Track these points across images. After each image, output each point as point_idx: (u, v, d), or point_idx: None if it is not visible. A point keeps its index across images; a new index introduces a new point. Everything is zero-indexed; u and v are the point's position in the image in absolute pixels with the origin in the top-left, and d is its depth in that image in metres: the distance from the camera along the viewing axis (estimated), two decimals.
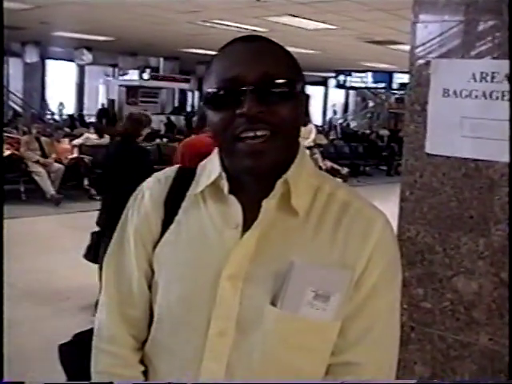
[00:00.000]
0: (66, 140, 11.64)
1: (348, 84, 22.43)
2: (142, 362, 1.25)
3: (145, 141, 11.04)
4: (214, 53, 1.19)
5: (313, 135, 13.14)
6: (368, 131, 20.34)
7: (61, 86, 22.14)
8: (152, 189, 1.25)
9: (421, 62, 2.03)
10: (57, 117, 20.20)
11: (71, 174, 10.44)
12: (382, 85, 21.65)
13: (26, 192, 9.87)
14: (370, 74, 21.46)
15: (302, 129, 1.18)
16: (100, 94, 23.17)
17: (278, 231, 1.13)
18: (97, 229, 5.06)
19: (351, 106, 29.75)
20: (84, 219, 8.82)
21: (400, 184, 2.09)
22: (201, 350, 1.13)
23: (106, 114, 19.95)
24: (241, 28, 11.78)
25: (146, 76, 20.22)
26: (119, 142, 5.50)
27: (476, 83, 1.89)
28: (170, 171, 1.27)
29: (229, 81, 1.09)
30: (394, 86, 21.07)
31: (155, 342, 1.23)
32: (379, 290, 1.14)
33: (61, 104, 21.58)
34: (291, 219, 1.14)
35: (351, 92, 28.15)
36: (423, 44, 2.02)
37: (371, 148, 16.87)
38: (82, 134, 12.57)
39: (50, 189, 9.78)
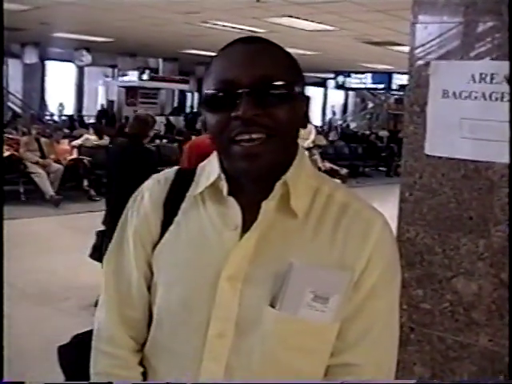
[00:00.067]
0: (66, 141, 11.63)
1: (347, 85, 22.46)
2: (141, 363, 1.25)
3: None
4: (213, 54, 1.19)
5: (312, 136, 13.13)
6: (367, 132, 20.34)
7: (60, 87, 22.14)
8: (151, 190, 1.25)
9: (420, 63, 2.03)
10: (56, 118, 20.20)
11: (70, 175, 10.43)
12: (382, 86, 21.67)
13: (25, 193, 9.87)
14: (369, 75, 21.49)
15: (302, 130, 1.18)
16: (99, 95, 23.18)
17: (277, 232, 1.13)
18: (101, 228, 5.07)
19: (350, 107, 29.77)
20: (83, 220, 8.85)
21: (399, 185, 2.09)
22: (200, 351, 1.13)
23: (106, 115, 19.96)
24: (240, 29, 11.79)
25: (145, 77, 20.21)
26: (126, 142, 5.56)
27: (475, 84, 1.89)
28: (169, 172, 1.27)
29: (225, 83, 1.09)
30: (394, 86, 21.09)
31: (154, 343, 1.23)
32: (378, 291, 1.14)
33: (61, 105, 21.57)
34: (290, 221, 1.14)
35: (350, 93, 28.18)
36: (422, 45, 2.02)
37: (370, 149, 16.87)
38: (81, 135, 12.56)
39: (49, 189, 9.78)
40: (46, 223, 8.58)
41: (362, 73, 21.41)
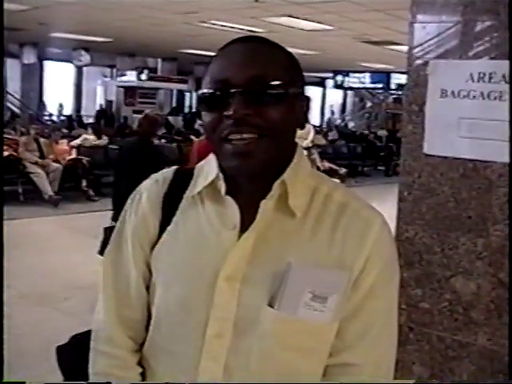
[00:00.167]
0: (64, 141, 11.62)
1: (346, 84, 22.47)
2: (139, 363, 1.25)
3: None
4: (211, 53, 1.19)
5: (311, 136, 13.15)
6: (366, 131, 20.33)
7: (59, 87, 22.13)
8: (149, 190, 1.25)
9: (419, 62, 2.03)
10: (55, 118, 20.18)
11: (69, 175, 10.43)
12: (380, 85, 21.69)
13: (24, 193, 9.86)
14: (367, 75, 21.50)
15: (300, 129, 1.18)
16: (98, 95, 23.17)
17: (275, 232, 1.13)
18: (107, 224, 5.09)
19: (349, 107, 29.78)
20: (82, 220, 8.86)
21: (398, 184, 2.09)
22: (198, 351, 1.13)
23: (105, 115, 19.95)
24: (238, 29, 11.79)
25: (143, 77, 20.20)
26: (135, 141, 5.75)
27: (474, 83, 1.89)
28: (167, 172, 1.27)
29: (219, 82, 1.09)
30: (392, 86, 21.11)
31: (153, 344, 1.22)
32: (377, 291, 1.14)
33: (60, 105, 21.56)
34: (289, 220, 1.14)
35: (349, 92, 28.18)
36: (421, 44, 2.02)
37: (369, 148, 16.87)
38: (79, 135, 12.56)
39: (48, 189, 9.77)
40: (44, 223, 8.57)
41: (361, 72, 21.42)
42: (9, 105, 18.82)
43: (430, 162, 2.01)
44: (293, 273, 1.09)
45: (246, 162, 1.07)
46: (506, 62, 1.82)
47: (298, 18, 10.61)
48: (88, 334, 1.29)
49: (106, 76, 22.85)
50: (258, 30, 11.70)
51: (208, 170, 1.19)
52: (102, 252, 5.03)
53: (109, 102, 21.27)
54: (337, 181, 1.32)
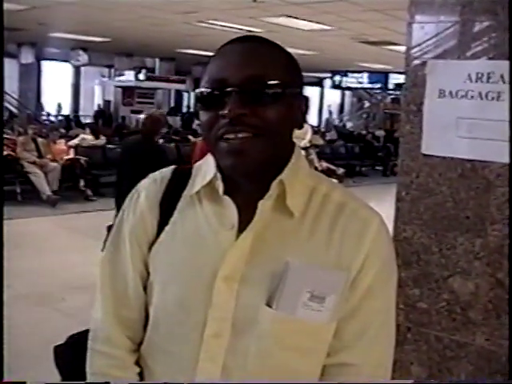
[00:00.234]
0: (62, 141, 11.61)
1: (344, 84, 22.49)
2: (137, 363, 1.25)
3: None
4: (210, 53, 1.19)
5: (308, 136, 13.15)
6: (364, 132, 20.33)
7: (56, 86, 22.11)
8: (148, 189, 1.25)
9: (417, 62, 2.03)
10: (53, 118, 20.16)
11: (67, 175, 10.42)
12: (378, 85, 21.70)
13: (22, 193, 9.85)
14: (365, 75, 21.51)
15: (298, 129, 1.17)
16: (96, 95, 23.15)
17: (273, 232, 1.13)
18: (111, 223, 5.11)
19: (347, 107, 29.79)
20: (80, 220, 8.86)
21: (396, 184, 2.09)
22: (197, 351, 1.13)
23: (103, 115, 19.94)
24: (237, 29, 11.78)
25: (141, 77, 20.19)
26: (139, 139, 5.88)
27: (472, 84, 1.89)
28: (165, 172, 1.27)
29: (216, 81, 1.09)
30: (390, 86, 21.11)
31: (151, 344, 1.22)
32: (375, 291, 1.14)
33: (59, 105, 21.54)
34: (287, 220, 1.14)
35: (347, 92, 28.20)
36: (419, 45, 2.02)
37: (367, 148, 16.88)
38: (77, 135, 12.55)
39: (46, 189, 9.76)
40: (42, 223, 8.57)
41: (359, 72, 21.43)
42: (7, 105, 18.79)
43: (428, 162, 2.01)
44: (291, 273, 1.09)
45: (241, 161, 1.07)
46: (504, 63, 1.82)
47: (296, 18, 10.62)
48: (85, 333, 1.29)
49: (104, 76, 22.83)
50: (257, 30, 11.70)
51: (206, 169, 1.19)
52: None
53: (107, 102, 21.26)
54: (335, 181, 1.32)
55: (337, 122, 25.56)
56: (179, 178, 1.24)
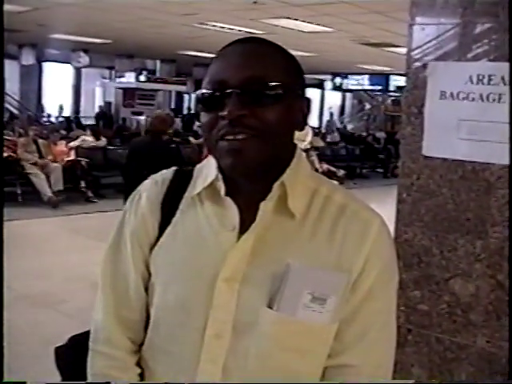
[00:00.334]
0: (63, 142, 11.60)
1: (344, 86, 22.51)
2: (138, 364, 1.25)
3: None
4: (210, 55, 1.20)
5: (309, 138, 13.15)
6: (364, 133, 20.32)
7: (57, 88, 22.12)
8: (149, 191, 1.25)
9: (417, 64, 2.03)
10: (53, 119, 20.16)
11: (68, 176, 10.41)
12: (379, 87, 21.72)
13: (22, 194, 9.85)
14: (366, 77, 21.54)
15: (298, 131, 1.17)
16: (96, 97, 23.16)
17: (274, 233, 1.13)
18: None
19: (348, 109, 29.76)
20: (81, 221, 8.86)
21: (397, 186, 2.09)
22: (197, 352, 1.13)
23: (104, 117, 19.94)
24: (237, 30, 11.79)
25: (142, 78, 20.21)
26: (147, 139, 6.15)
27: (473, 85, 1.90)
28: (167, 173, 1.27)
29: (217, 83, 1.09)
30: (391, 88, 21.13)
31: (152, 345, 1.22)
32: (376, 293, 1.14)
33: (60, 107, 21.55)
34: (288, 222, 1.14)
35: (348, 94, 28.17)
36: (420, 46, 2.02)
37: (368, 150, 16.87)
38: (78, 137, 12.54)
39: (47, 191, 9.76)
40: (43, 224, 8.57)
41: (360, 74, 21.45)
42: (7, 106, 18.80)
43: (428, 164, 2.01)
44: (292, 274, 1.09)
45: (240, 160, 1.07)
46: (505, 64, 1.82)
47: (296, 20, 10.62)
48: (86, 334, 1.29)
49: (104, 77, 22.84)
50: (257, 32, 11.71)
51: (207, 171, 1.19)
52: None
53: (107, 104, 21.26)
54: (335, 183, 1.32)
55: (338, 123, 25.53)
56: (180, 179, 1.24)
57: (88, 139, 12.15)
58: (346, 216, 1.15)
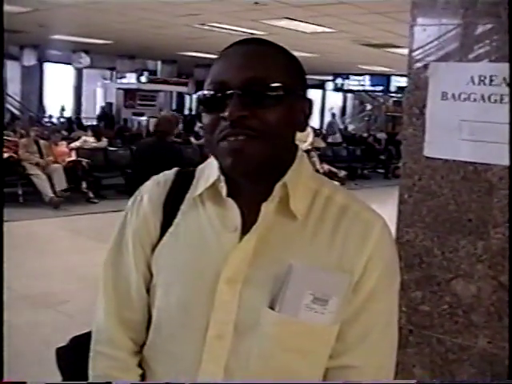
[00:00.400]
0: (64, 143, 11.61)
1: (346, 87, 22.46)
2: (140, 365, 1.25)
3: None
4: (211, 56, 1.20)
5: (310, 138, 13.15)
6: (365, 134, 20.32)
7: (59, 89, 22.13)
8: (151, 191, 1.25)
9: (419, 65, 2.03)
10: (55, 120, 20.17)
11: (69, 177, 10.42)
12: (380, 88, 21.67)
13: (23, 195, 9.85)
14: (367, 77, 21.49)
15: (299, 132, 1.17)
16: (98, 97, 23.16)
17: (276, 235, 1.13)
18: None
19: (349, 109, 29.75)
20: (82, 222, 8.86)
21: (398, 187, 2.09)
22: (199, 353, 1.13)
23: (105, 117, 19.95)
24: (238, 31, 11.79)
25: (143, 79, 20.21)
26: (153, 140, 6.14)
27: (474, 86, 1.89)
28: (168, 174, 1.27)
29: (218, 84, 1.10)
30: (392, 89, 21.09)
31: (153, 346, 1.22)
32: (377, 294, 1.14)
33: (62, 108, 21.56)
34: (290, 223, 1.14)
35: (349, 95, 28.16)
36: (421, 47, 2.02)
37: (369, 151, 16.87)
38: (79, 137, 12.55)
39: (48, 191, 9.76)
40: (44, 225, 8.57)
41: (361, 75, 21.42)
42: (9, 107, 18.82)
43: (430, 165, 2.01)
44: (294, 275, 1.09)
45: (240, 160, 1.07)
46: (507, 65, 1.82)
47: (297, 21, 10.61)
48: (88, 335, 1.29)
49: (105, 78, 22.83)
50: (258, 33, 11.71)
51: (209, 172, 1.19)
52: None
53: (108, 104, 21.27)
54: (337, 183, 1.32)
55: (340, 124, 25.50)
56: (182, 180, 1.24)
57: (89, 140, 12.17)
58: (347, 217, 1.15)
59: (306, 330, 1.11)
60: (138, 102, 20.35)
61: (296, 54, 1.15)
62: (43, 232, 8.19)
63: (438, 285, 2.00)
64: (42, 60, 20.32)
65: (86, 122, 19.80)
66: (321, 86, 25.65)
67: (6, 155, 9.67)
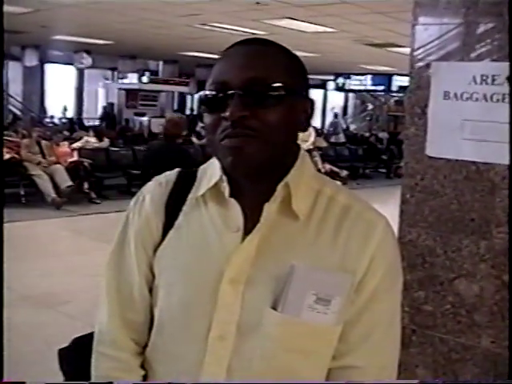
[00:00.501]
0: (66, 143, 11.62)
1: (347, 87, 22.46)
2: (142, 366, 1.25)
3: (145, 144, 11.13)
4: (213, 56, 1.20)
5: (312, 138, 13.16)
6: (367, 134, 20.33)
7: (60, 89, 22.15)
8: (153, 192, 1.25)
9: (421, 64, 2.02)
10: (56, 120, 20.19)
11: (71, 177, 10.42)
12: (381, 87, 21.68)
13: (25, 195, 9.86)
14: (369, 77, 21.49)
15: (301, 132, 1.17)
16: (99, 98, 23.18)
17: (278, 235, 1.13)
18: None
19: (350, 109, 29.76)
20: (84, 222, 8.87)
21: (401, 187, 2.09)
22: (202, 353, 1.13)
23: (107, 118, 19.97)
24: (240, 31, 11.79)
25: (145, 79, 20.23)
26: (162, 143, 6.28)
27: (477, 86, 1.89)
28: (170, 175, 1.27)
29: (219, 84, 1.10)
30: (394, 88, 21.09)
31: (156, 347, 1.22)
32: (380, 294, 1.14)
33: (65, 108, 21.57)
34: (292, 223, 1.13)
35: (350, 95, 28.16)
36: (423, 46, 2.02)
37: (370, 150, 16.87)
38: (81, 138, 12.57)
39: (50, 192, 9.76)
40: (46, 226, 8.58)
41: (362, 74, 21.42)
42: (10, 107, 18.85)
43: (432, 165, 2.00)
44: (296, 275, 1.08)
45: (240, 158, 1.07)
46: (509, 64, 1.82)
47: (299, 21, 10.62)
48: (90, 336, 1.29)
49: (107, 78, 22.85)
50: (259, 33, 11.71)
51: (211, 172, 1.19)
52: None
53: (110, 105, 21.29)
54: (338, 183, 1.32)
55: (343, 124, 25.48)
56: (184, 180, 1.24)
57: (91, 140, 12.18)
58: (350, 217, 1.15)
59: (309, 331, 1.11)
60: (140, 102, 20.37)
61: (297, 53, 1.15)
62: (45, 232, 8.20)
63: (440, 284, 2.00)
64: (43, 60, 20.35)
65: (87, 123, 19.84)
66: (322, 85, 25.65)
67: (7, 156, 9.68)
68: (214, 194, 1.17)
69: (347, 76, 21.92)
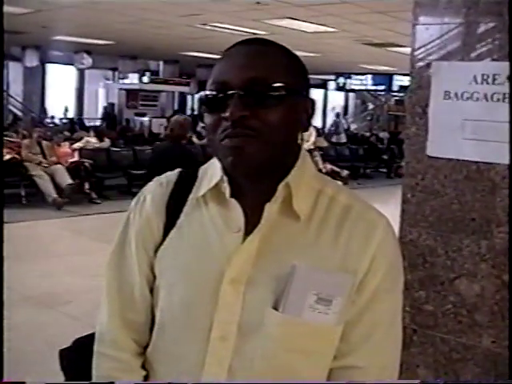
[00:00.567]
0: (67, 143, 11.63)
1: (348, 86, 22.43)
2: (143, 366, 1.25)
3: (146, 144, 11.15)
4: (213, 56, 1.20)
5: (312, 138, 13.17)
6: (368, 133, 20.33)
7: (61, 89, 22.14)
8: (154, 192, 1.25)
9: (421, 64, 2.03)
10: (57, 120, 20.19)
11: (72, 177, 10.42)
12: (382, 87, 21.66)
13: (26, 196, 9.86)
14: (369, 77, 21.47)
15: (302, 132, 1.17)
16: (100, 98, 23.18)
17: (279, 235, 1.13)
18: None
19: (351, 109, 29.75)
20: (85, 223, 8.88)
21: (401, 186, 2.09)
22: (203, 354, 1.13)
23: (108, 118, 19.98)
24: (240, 31, 11.79)
25: (145, 79, 20.24)
26: (167, 145, 6.33)
27: (477, 85, 1.89)
28: (171, 175, 1.27)
29: (220, 84, 1.10)
30: (394, 88, 21.08)
31: (156, 347, 1.22)
32: (381, 294, 1.14)
33: (66, 109, 21.57)
34: (293, 223, 1.13)
35: (351, 94, 28.15)
36: (424, 46, 2.02)
37: (371, 150, 16.87)
38: (81, 138, 12.56)
39: (51, 192, 9.76)
40: (47, 226, 8.59)
41: (363, 74, 21.40)
42: (11, 108, 18.86)
43: (433, 164, 2.00)
44: (297, 275, 1.08)
45: (240, 159, 1.07)
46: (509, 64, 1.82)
47: (299, 20, 10.61)
48: (91, 337, 1.29)
49: (107, 79, 22.85)
50: (260, 33, 11.71)
51: (212, 172, 1.19)
52: None
53: (111, 105, 21.29)
54: (339, 183, 1.32)
55: (345, 124, 25.47)
56: (185, 180, 1.24)
57: (91, 140, 12.18)
58: (351, 217, 1.15)
59: (310, 331, 1.11)
60: (140, 102, 20.38)
61: (298, 53, 1.15)
62: (46, 233, 8.21)
63: (441, 284, 2.00)
64: (44, 61, 20.34)
65: (88, 123, 19.83)
66: (323, 85, 25.66)
67: (8, 156, 9.69)
68: (214, 194, 1.17)
69: (348, 76, 21.90)
